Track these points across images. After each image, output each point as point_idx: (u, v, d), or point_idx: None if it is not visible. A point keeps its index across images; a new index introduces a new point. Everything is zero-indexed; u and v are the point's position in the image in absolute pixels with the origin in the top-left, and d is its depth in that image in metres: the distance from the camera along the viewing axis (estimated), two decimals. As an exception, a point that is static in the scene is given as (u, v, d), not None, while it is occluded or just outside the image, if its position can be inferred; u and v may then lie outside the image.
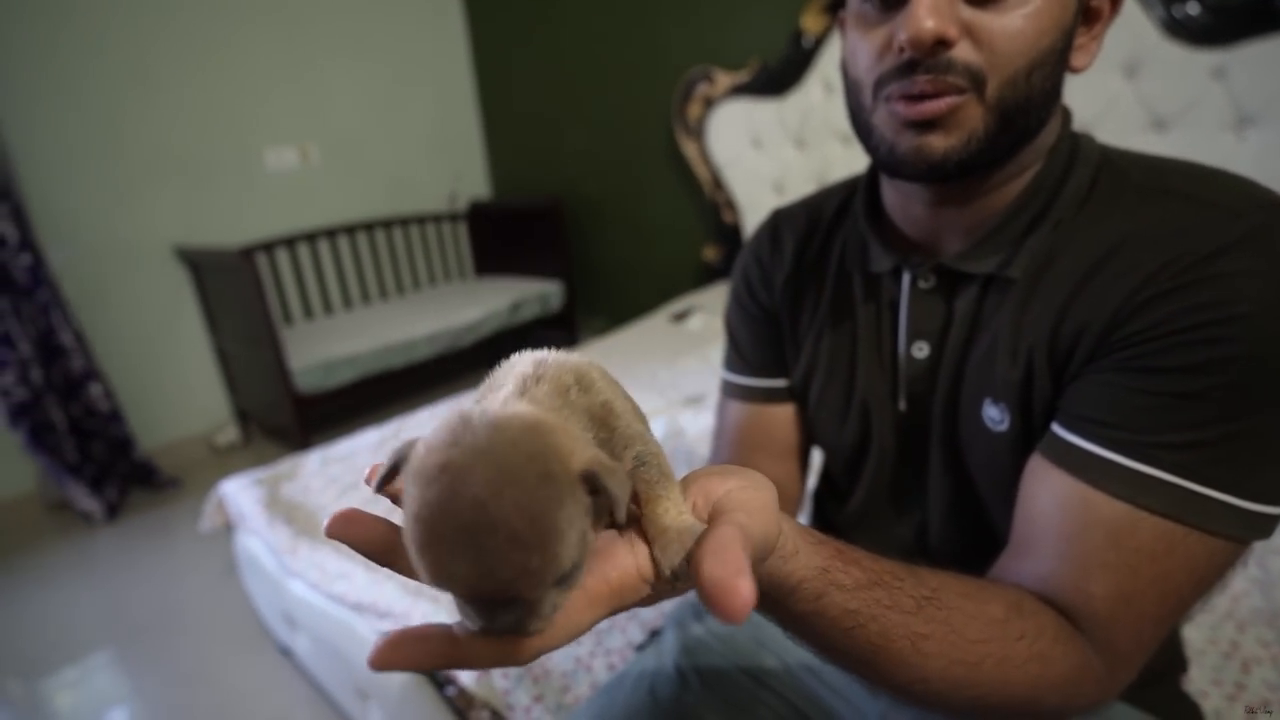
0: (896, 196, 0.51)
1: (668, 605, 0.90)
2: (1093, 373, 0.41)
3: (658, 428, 1.47)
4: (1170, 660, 0.54)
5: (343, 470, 1.38)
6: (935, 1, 0.38)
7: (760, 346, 0.62)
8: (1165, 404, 0.37)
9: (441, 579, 0.20)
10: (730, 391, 0.64)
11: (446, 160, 3.37)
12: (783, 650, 0.61)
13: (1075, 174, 0.45)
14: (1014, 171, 0.46)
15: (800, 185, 2.31)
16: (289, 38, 2.72)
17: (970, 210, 0.47)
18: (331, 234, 2.90)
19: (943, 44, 0.39)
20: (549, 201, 3.03)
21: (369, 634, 0.95)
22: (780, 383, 0.62)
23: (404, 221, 3.18)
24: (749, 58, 2.39)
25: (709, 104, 2.47)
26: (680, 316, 2.40)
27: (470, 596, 0.21)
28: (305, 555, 1.10)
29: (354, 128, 2.98)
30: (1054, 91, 0.43)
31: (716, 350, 1.96)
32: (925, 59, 0.39)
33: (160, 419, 2.51)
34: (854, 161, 2.14)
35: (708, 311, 2.35)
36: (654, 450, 0.27)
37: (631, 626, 0.86)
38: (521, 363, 0.27)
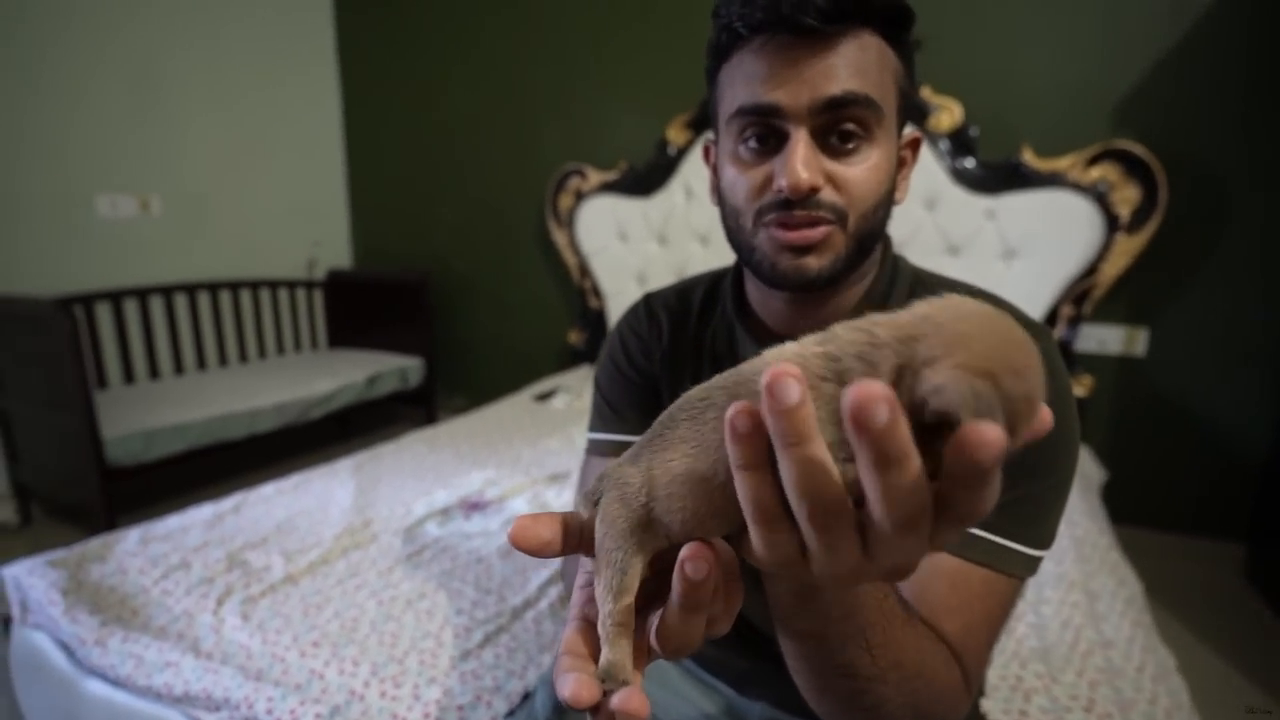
0: (760, 294, 0.62)
1: (538, 669, 0.90)
2: None
3: (522, 503, 1.48)
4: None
5: (168, 549, 1.24)
6: (807, 157, 0.50)
7: (636, 406, 0.68)
8: None
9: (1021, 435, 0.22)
10: (600, 449, 0.69)
11: (308, 224, 3.26)
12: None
13: (898, 285, 0.59)
14: (856, 279, 0.58)
15: (662, 277, 2.50)
16: (139, 76, 2.56)
17: (823, 310, 0.58)
18: (168, 291, 2.66)
19: (816, 190, 0.50)
20: (416, 275, 3.00)
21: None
22: None
23: (254, 285, 2.99)
24: (619, 159, 2.60)
25: (580, 197, 2.63)
26: (544, 396, 2.44)
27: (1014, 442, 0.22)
28: (117, 647, 0.97)
29: (207, 181, 2.82)
30: (887, 221, 0.56)
31: (580, 430, 2.02)
32: (800, 201, 0.51)
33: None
34: (710, 258, 2.37)
35: (572, 393, 2.41)
36: None
37: None
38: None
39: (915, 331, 0.23)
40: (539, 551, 0.30)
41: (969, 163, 1.96)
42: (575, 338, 2.80)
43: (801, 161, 0.50)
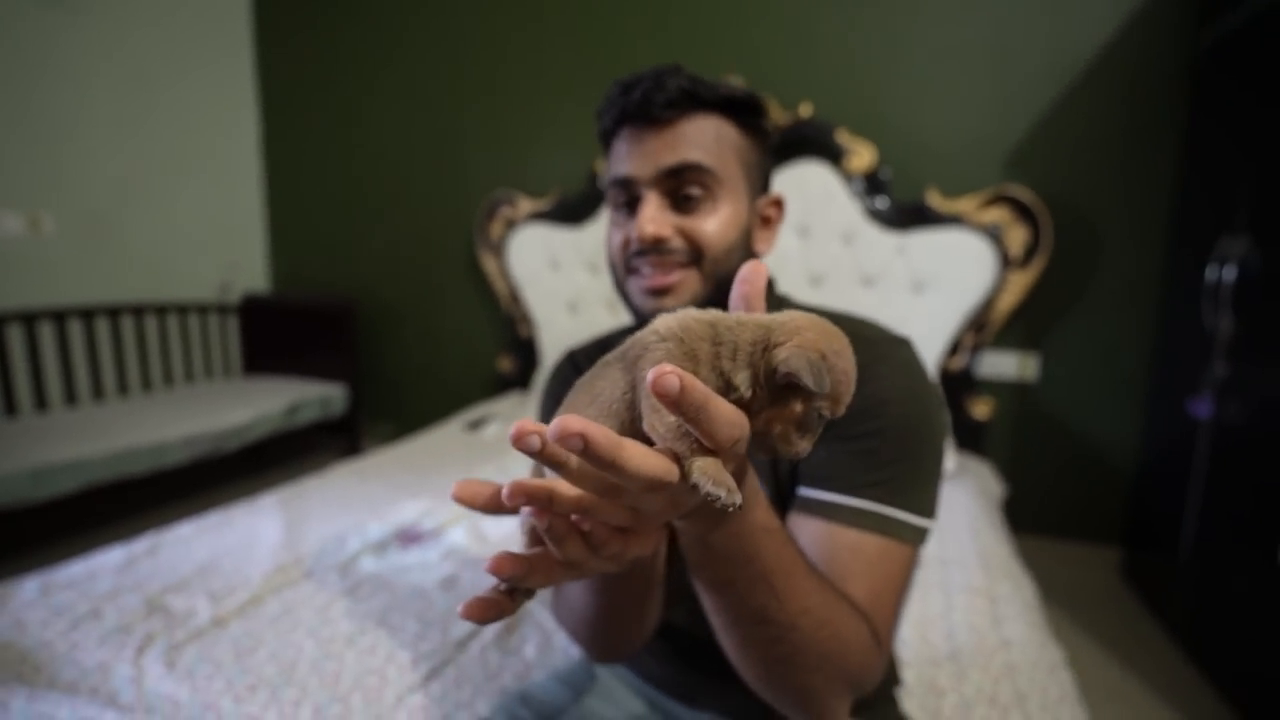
0: None
1: (486, 699, 0.90)
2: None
3: (461, 534, 1.47)
4: (889, 678, 0.72)
5: (74, 598, 1.16)
6: (652, 214, 0.62)
7: None
8: (860, 458, 0.56)
9: (843, 400, 0.34)
10: None
11: (221, 246, 3.11)
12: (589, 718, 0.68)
13: None
14: None
15: (593, 305, 2.55)
16: (31, 86, 2.40)
17: None
18: (60, 316, 2.48)
19: (661, 240, 0.62)
20: (340, 301, 2.92)
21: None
22: None
23: (160, 309, 2.83)
24: (550, 187, 2.64)
25: (510, 225, 2.65)
26: (476, 425, 2.42)
27: (837, 408, 0.34)
28: (22, 708, 0.91)
29: (107, 197, 2.66)
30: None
31: (514, 459, 2.02)
32: (650, 250, 0.62)
33: None
34: (641, 288, 2.43)
35: (503, 420, 2.41)
36: None
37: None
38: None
39: (769, 324, 0.34)
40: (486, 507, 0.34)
41: (881, 202, 2.12)
42: (505, 365, 2.80)
43: (647, 217, 0.62)
